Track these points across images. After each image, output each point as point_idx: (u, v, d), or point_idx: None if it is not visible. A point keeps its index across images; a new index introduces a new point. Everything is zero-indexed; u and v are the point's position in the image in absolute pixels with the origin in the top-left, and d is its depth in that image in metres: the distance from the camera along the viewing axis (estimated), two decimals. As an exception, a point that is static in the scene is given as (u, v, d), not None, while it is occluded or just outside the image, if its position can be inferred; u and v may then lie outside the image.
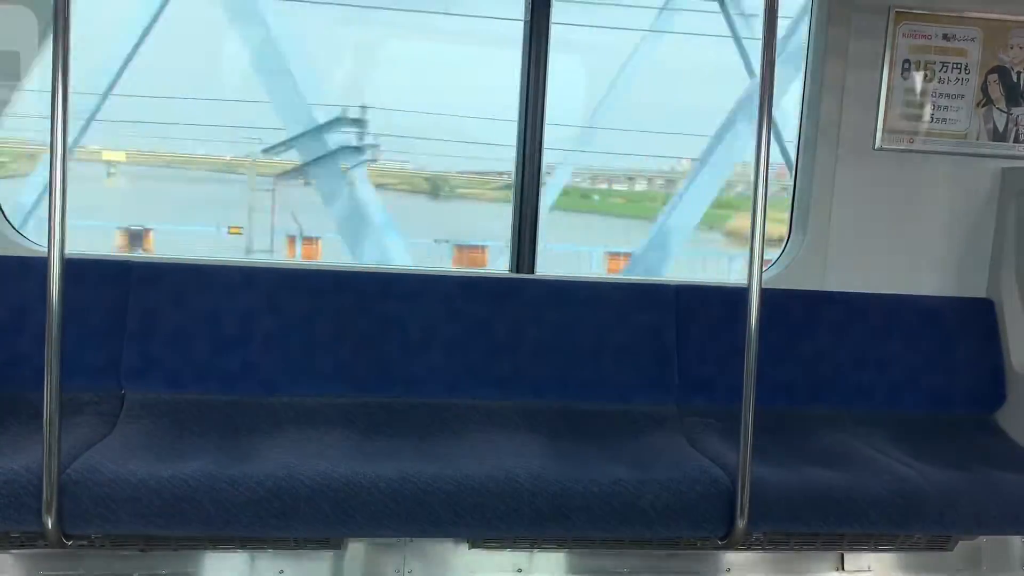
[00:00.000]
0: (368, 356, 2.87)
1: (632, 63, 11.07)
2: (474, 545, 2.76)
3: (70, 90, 2.08)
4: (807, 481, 2.50)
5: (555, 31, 3.08)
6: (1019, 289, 3.16)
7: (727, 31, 9.30)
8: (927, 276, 3.26)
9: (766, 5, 2.29)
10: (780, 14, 2.32)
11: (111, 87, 8.52)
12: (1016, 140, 3.28)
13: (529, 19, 3.13)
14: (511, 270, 3.21)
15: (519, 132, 3.19)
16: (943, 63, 3.22)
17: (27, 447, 2.31)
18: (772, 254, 3.22)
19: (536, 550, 2.82)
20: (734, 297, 2.98)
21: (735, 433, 2.39)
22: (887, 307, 3.16)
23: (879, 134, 3.21)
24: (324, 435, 2.63)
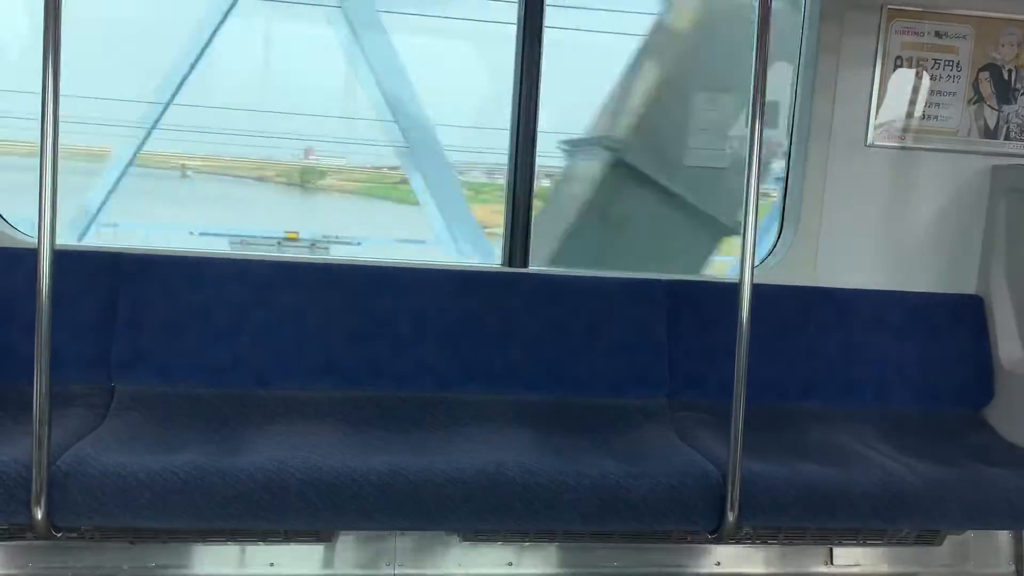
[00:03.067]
0: (359, 350, 2.87)
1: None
2: (465, 538, 2.77)
3: (60, 85, 2.07)
4: (797, 476, 2.50)
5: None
6: (1008, 286, 3.18)
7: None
8: (917, 272, 3.27)
9: (760, 10, 2.30)
10: None
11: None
12: (1007, 137, 3.29)
13: (522, 20, 3.13)
14: (503, 264, 3.21)
15: (512, 130, 3.19)
16: (935, 60, 3.23)
17: (16, 439, 2.30)
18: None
19: (527, 543, 2.82)
20: (725, 292, 2.98)
21: (725, 428, 2.39)
22: (877, 303, 3.17)
23: (871, 131, 3.22)
24: (315, 428, 2.63)
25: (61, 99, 2.08)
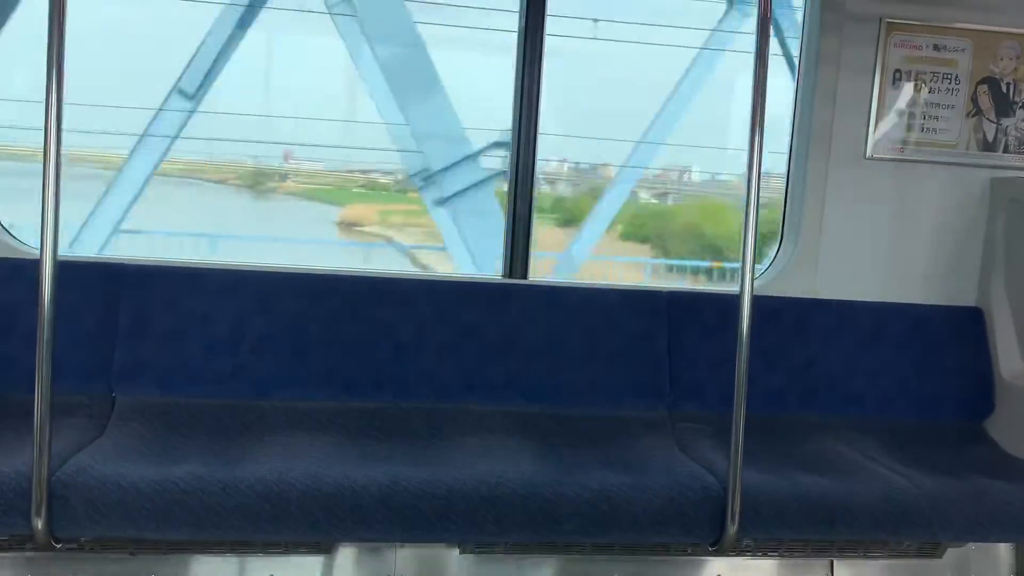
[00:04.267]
0: (359, 360, 2.87)
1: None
2: (464, 551, 2.76)
3: (64, 91, 2.08)
4: (797, 488, 2.50)
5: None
6: (1008, 298, 3.18)
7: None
8: (917, 284, 3.28)
9: (759, 16, 2.31)
10: None
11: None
12: (1006, 150, 3.30)
13: (523, 26, 3.15)
14: (503, 275, 3.22)
15: (513, 138, 3.20)
16: (934, 73, 3.25)
17: (17, 449, 2.30)
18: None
19: (527, 555, 2.82)
20: (725, 303, 2.99)
21: (726, 439, 2.39)
22: (877, 315, 3.17)
23: (870, 143, 3.23)
24: (315, 439, 2.63)
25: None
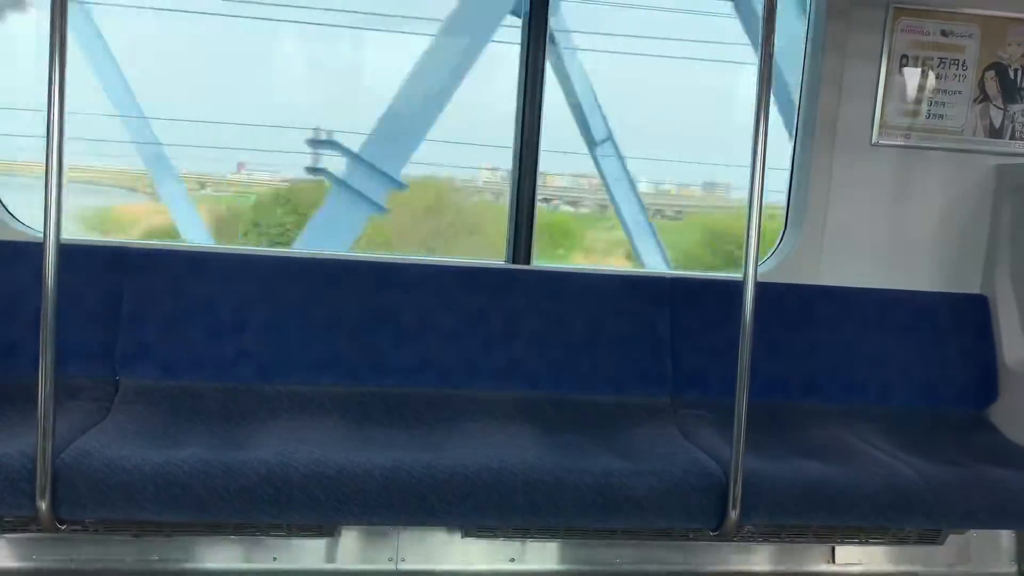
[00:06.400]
0: (363, 345, 2.87)
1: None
2: (467, 534, 2.78)
3: (66, 80, 2.08)
4: (799, 474, 2.51)
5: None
6: (1013, 286, 3.17)
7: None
8: (922, 271, 3.27)
9: (765, 7, 2.29)
10: None
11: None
12: (1012, 137, 3.29)
13: (527, 20, 3.14)
14: (507, 261, 3.22)
15: (516, 130, 3.20)
16: (941, 59, 3.23)
17: (21, 432, 2.31)
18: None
19: (529, 540, 2.83)
20: (729, 290, 2.99)
21: (728, 425, 2.40)
22: (881, 302, 3.17)
23: (876, 129, 3.21)
24: (318, 423, 2.64)
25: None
